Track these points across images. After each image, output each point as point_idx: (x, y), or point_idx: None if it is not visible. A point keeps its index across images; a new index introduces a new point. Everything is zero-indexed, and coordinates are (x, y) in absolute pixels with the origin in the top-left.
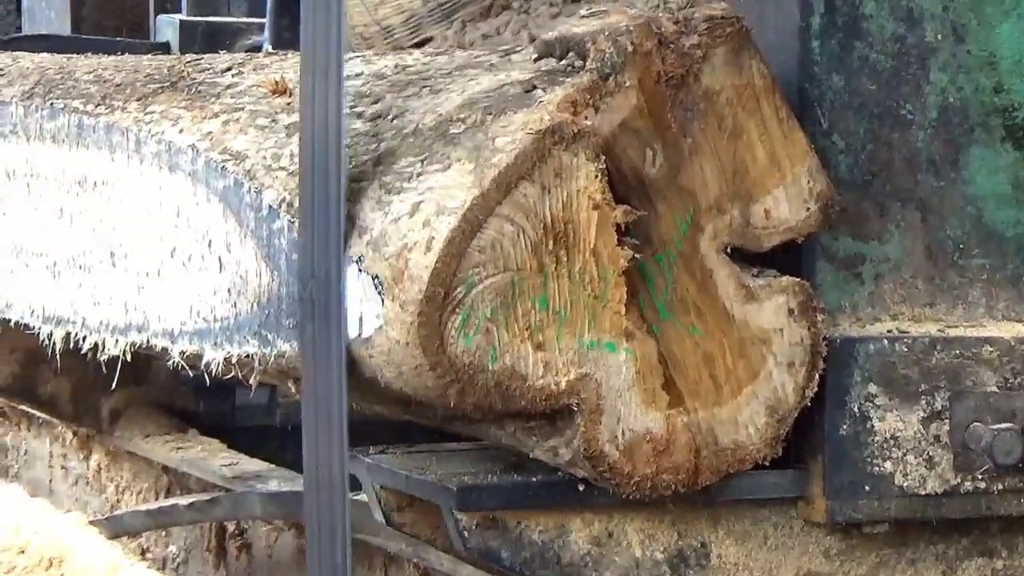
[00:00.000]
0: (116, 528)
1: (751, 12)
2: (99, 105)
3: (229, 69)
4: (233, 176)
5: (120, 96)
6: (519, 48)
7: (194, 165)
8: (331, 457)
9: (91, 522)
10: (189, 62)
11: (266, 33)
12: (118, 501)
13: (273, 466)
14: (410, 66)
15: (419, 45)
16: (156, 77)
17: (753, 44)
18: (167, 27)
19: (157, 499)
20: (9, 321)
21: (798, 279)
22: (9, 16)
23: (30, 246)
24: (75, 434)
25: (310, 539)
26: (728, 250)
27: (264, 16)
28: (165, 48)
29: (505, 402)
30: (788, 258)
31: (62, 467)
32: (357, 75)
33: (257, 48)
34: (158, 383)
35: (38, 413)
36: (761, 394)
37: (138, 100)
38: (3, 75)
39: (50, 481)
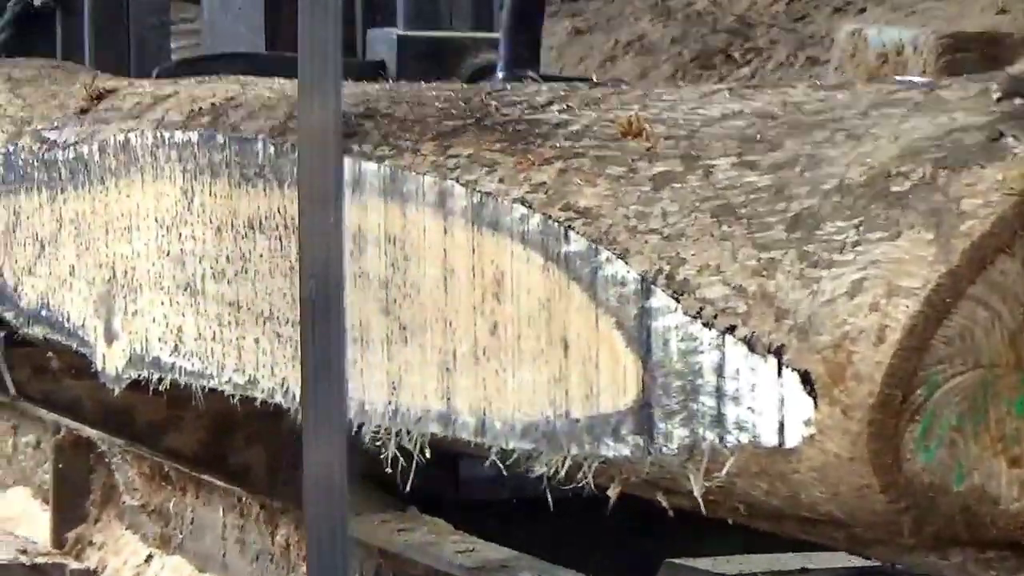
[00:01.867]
0: None
1: None
2: (380, 146)
3: (551, 103)
4: (583, 239)
5: (407, 135)
6: (945, 83)
7: (525, 224)
8: (331, 458)
9: None
10: (490, 93)
11: (500, 50)
12: None
13: (517, 552)
14: (804, 103)
15: None
16: (453, 112)
17: None
18: (381, 43)
19: None
20: (254, 400)
21: None
22: (162, 27)
23: (282, 313)
24: (263, 506)
25: (310, 541)
26: None
27: (493, 30)
28: (380, 67)
29: (970, 531)
30: None
31: (238, 540)
32: (735, 113)
33: (489, 68)
34: (367, 452)
35: (225, 484)
36: None
37: (434, 140)
38: (238, 105)
39: (223, 555)
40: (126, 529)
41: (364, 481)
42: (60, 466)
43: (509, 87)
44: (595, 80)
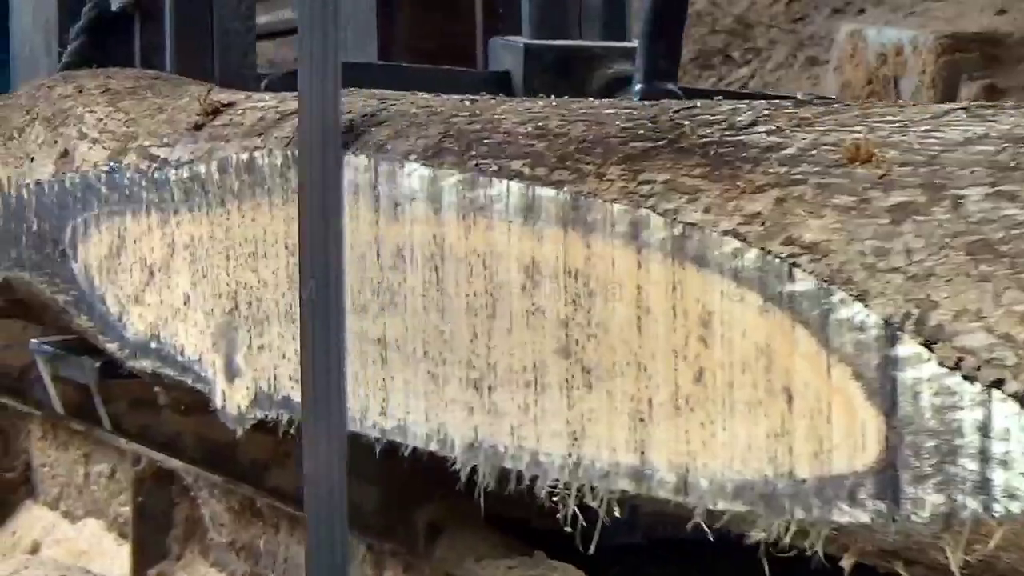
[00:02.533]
0: None
1: None
2: (556, 169)
3: (755, 123)
4: (811, 278)
5: (588, 157)
6: None
7: (738, 260)
8: (331, 456)
9: None
10: (679, 111)
11: (637, 61)
12: None
13: None
14: None
15: None
16: (639, 132)
17: None
18: (506, 52)
19: None
20: (401, 447)
21: None
22: (248, 33)
23: (438, 352)
24: (370, 548)
25: (311, 540)
26: None
27: (624, 39)
28: (504, 78)
29: None
30: None
31: None
32: (981, 137)
33: (623, 80)
34: (487, 491)
35: None
36: None
37: (620, 164)
38: (382, 123)
39: None
40: (211, 567)
41: (484, 521)
42: (140, 499)
43: (696, 104)
44: (800, 97)
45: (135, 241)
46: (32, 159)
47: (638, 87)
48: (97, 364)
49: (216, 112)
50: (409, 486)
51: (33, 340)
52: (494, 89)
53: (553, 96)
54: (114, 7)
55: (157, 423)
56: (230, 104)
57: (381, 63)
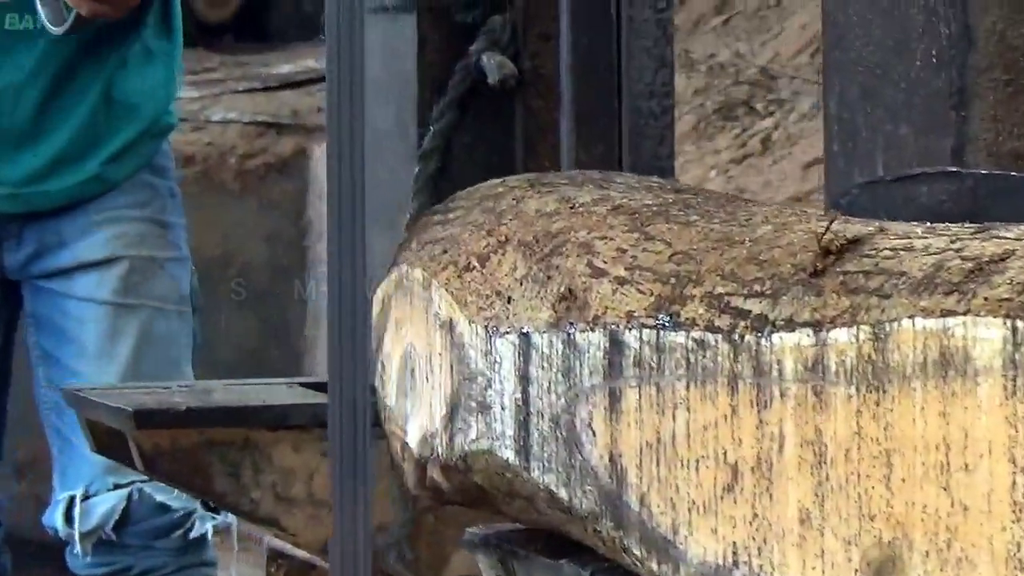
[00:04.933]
0: None
1: None
2: None
3: None
4: None
5: None
6: None
7: None
8: (355, 452)
9: None
10: None
11: None
12: None
13: None
14: None
15: None
16: None
17: None
18: None
19: None
20: None
21: None
22: (664, 114)
23: None
24: None
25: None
26: None
27: None
28: None
29: None
30: None
31: None
32: None
33: None
34: None
35: None
36: None
37: None
38: None
39: None
40: None
41: None
42: None
43: None
44: None
45: (705, 428)
46: (509, 300)
47: None
48: (586, 574)
49: (841, 251)
50: None
51: (472, 530)
52: None
53: None
54: (491, 80)
55: None
56: (856, 240)
57: (1002, 173)
